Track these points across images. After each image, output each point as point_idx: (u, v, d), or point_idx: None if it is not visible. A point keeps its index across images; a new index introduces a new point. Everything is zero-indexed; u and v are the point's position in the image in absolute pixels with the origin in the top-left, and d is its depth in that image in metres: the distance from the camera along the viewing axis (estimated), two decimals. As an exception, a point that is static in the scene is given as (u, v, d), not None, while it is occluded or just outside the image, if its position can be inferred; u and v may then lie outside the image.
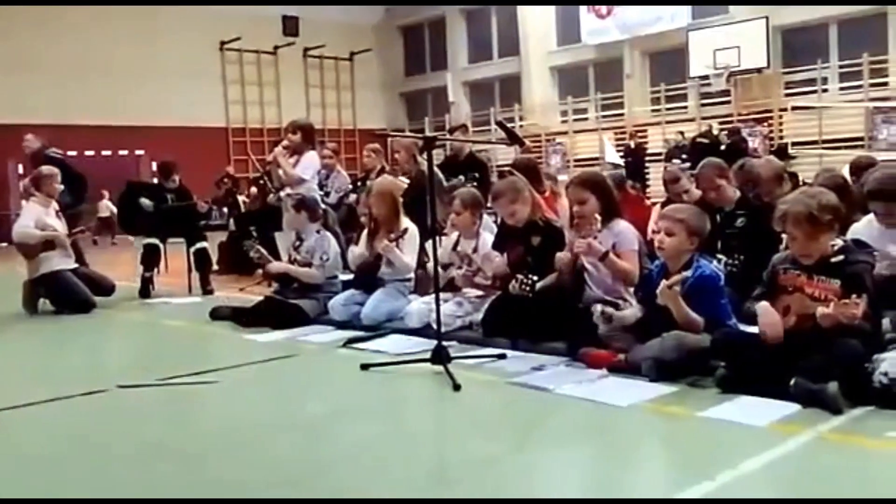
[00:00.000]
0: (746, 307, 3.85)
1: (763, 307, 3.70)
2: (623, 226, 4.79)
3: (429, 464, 3.20)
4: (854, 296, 3.35)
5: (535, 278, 4.80)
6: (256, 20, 23.55)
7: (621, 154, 19.01)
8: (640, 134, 19.83)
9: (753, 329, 3.87)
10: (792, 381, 3.42)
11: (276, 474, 2.99)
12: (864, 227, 4.49)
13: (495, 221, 6.48)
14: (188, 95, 21.97)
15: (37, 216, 7.33)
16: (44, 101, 19.26)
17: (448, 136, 9.94)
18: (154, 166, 9.87)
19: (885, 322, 3.90)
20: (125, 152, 21.24)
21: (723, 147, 15.29)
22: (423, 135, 4.63)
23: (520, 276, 4.81)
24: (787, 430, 3.15)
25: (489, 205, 5.87)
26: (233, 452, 3.30)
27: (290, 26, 24.95)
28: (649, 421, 3.52)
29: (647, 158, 19.20)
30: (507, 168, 7.39)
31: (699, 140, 16.59)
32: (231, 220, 12.23)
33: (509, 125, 10.13)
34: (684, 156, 15.24)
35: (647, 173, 18.59)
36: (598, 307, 4.33)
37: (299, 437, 3.49)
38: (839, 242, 3.69)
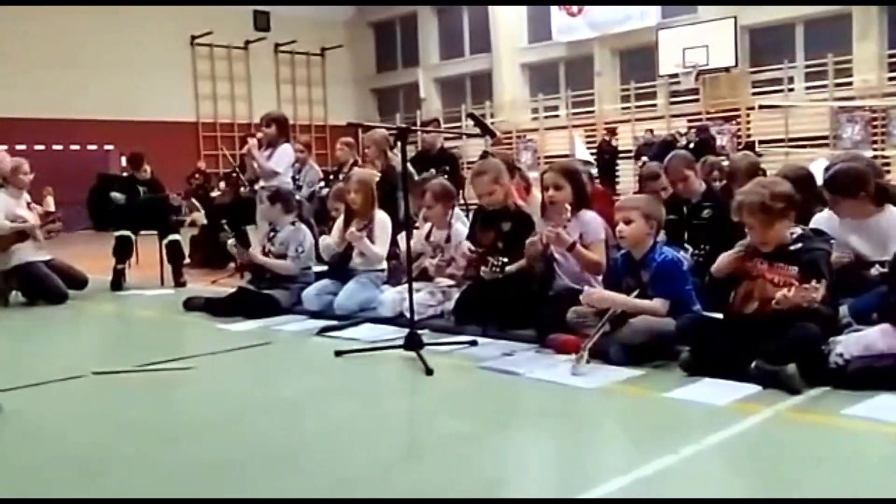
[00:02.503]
0: (708, 274, 4.01)
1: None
2: (591, 216, 4.90)
3: (402, 440, 3.30)
4: (814, 280, 3.48)
5: (506, 260, 4.89)
6: (227, 15, 23.46)
7: (593, 153, 19.17)
8: (609, 131, 20.01)
9: (717, 315, 4.03)
10: (753, 364, 3.55)
11: (255, 451, 3.06)
12: (827, 219, 4.63)
13: (466, 214, 6.59)
14: (158, 90, 21.84)
15: (7, 208, 7.30)
16: (9, 94, 19.06)
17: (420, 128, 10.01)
18: (123, 160, 9.80)
19: (843, 308, 4.05)
20: (94, 147, 21.05)
21: (691, 145, 15.51)
22: (396, 126, 4.72)
23: (490, 260, 4.91)
24: (748, 408, 3.28)
25: (463, 194, 5.95)
26: (211, 431, 3.37)
27: (262, 21, 24.90)
28: (615, 401, 3.63)
29: (619, 156, 19.41)
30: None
31: (665, 140, 16.89)
32: (202, 214, 12.23)
33: (480, 120, 10.23)
34: (652, 154, 15.44)
35: (617, 170, 18.78)
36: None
37: (276, 417, 3.56)
38: (797, 230, 3.83)
